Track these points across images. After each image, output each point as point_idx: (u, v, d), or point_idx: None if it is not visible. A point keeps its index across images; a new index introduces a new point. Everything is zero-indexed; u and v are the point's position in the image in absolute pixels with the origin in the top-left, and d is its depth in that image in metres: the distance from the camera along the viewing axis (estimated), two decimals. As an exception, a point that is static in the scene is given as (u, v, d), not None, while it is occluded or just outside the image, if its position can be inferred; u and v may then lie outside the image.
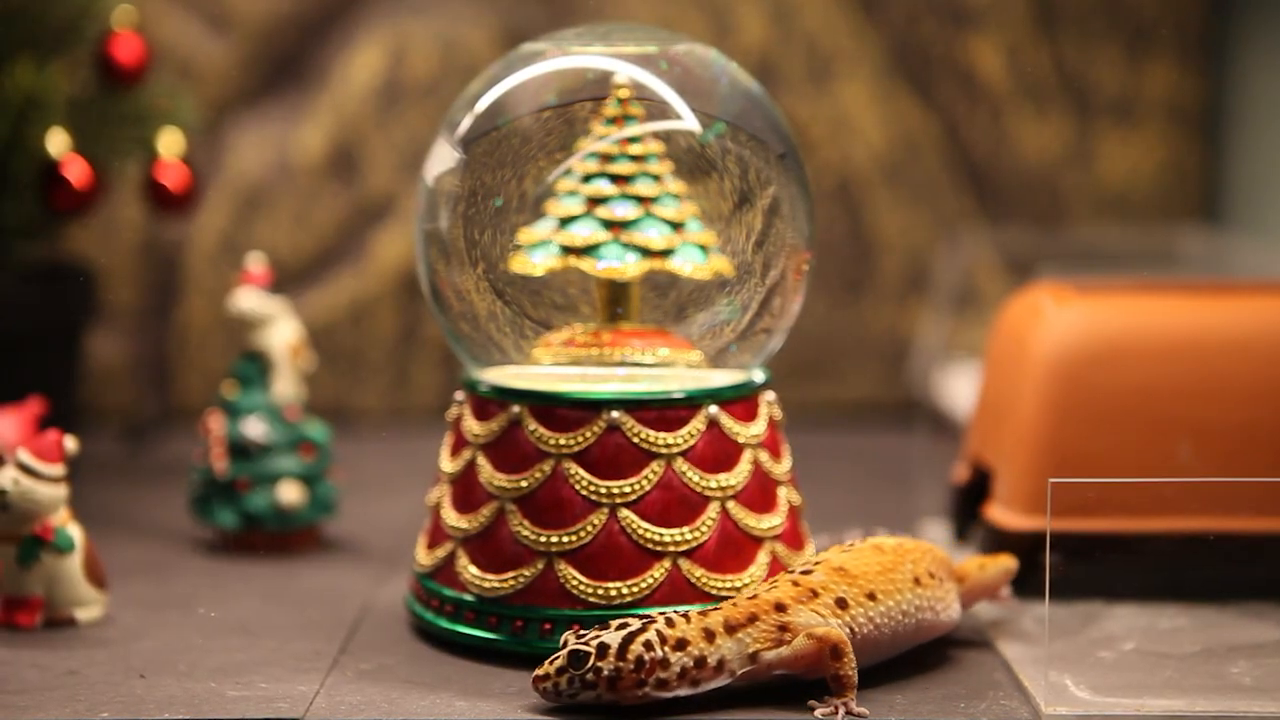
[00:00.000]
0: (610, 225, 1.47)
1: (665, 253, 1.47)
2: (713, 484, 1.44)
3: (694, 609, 1.33)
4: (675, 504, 1.43)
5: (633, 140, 1.47)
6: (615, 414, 1.43)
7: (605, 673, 1.28)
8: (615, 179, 1.47)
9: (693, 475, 1.44)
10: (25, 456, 1.49)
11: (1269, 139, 2.23)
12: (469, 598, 1.44)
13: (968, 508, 1.69)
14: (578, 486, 1.43)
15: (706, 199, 1.49)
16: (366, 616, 1.54)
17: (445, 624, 1.46)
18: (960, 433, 1.84)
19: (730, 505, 1.45)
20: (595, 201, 1.47)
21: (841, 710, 1.31)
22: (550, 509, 1.43)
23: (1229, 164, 2.32)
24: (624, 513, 1.42)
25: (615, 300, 1.48)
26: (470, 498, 1.46)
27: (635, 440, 1.43)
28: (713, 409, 1.45)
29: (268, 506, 1.72)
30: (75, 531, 1.52)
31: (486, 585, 1.44)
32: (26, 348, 1.90)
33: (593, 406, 1.44)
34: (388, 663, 1.43)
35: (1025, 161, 2.32)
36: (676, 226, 1.47)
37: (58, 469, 1.50)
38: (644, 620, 1.30)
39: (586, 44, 1.51)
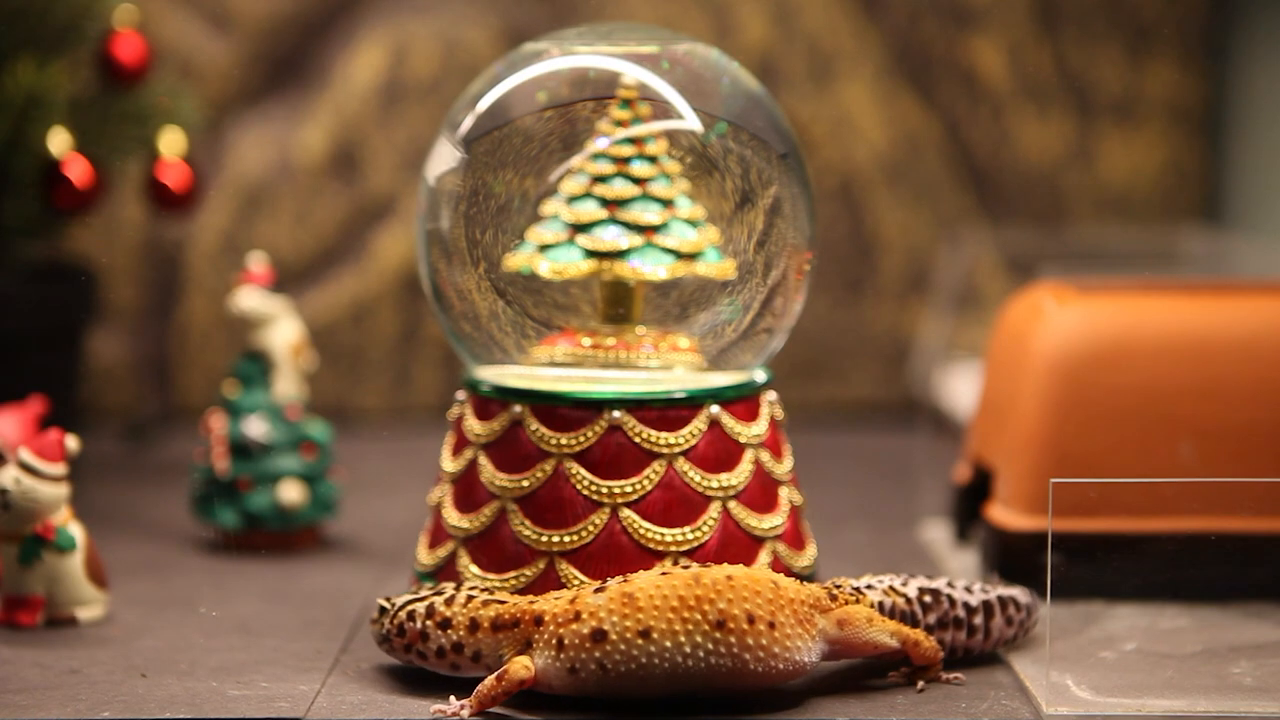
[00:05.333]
0: (569, 226, 1.47)
1: (622, 254, 1.46)
2: (714, 484, 1.44)
3: (498, 595, 1.34)
4: (677, 504, 1.43)
5: (621, 141, 1.47)
6: (617, 414, 1.43)
7: (384, 630, 1.36)
8: (594, 179, 1.47)
9: (694, 475, 1.44)
10: (27, 456, 1.49)
11: (1270, 139, 2.23)
12: (470, 597, 1.44)
13: (969, 508, 1.69)
14: (579, 486, 1.43)
15: (708, 198, 1.49)
16: (368, 616, 1.54)
17: (446, 623, 1.46)
18: (961, 432, 1.84)
19: (732, 505, 1.45)
20: (567, 200, 1.48)
21: (465, 711, 1.30)
22: (551, 509, 1.43)
23: (1230, 164, 2.32)
24: (625, 512, 1.42)
25: (617, 301, 1.48)
26: (471, 497, 1.46)
27: (637, 440, 1.43)
28: (714, 409, 1.45)
29: (269, 506, 1.73)
30: (76, 531, 1.52)
31: (488, 585, 1.44)
32: (28, 347, 1.90)
33: (594, 406, 1.44)
34: (389, 662, 1.42)
35: (1026, 161, 2.32)
36: (649, 229, 1.47)
37: (59, 468, 1.50)
38: (443, 589, 1.35)
39: (588, 44, 1.51)
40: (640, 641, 1.28)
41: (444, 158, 1.50)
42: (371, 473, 1.99)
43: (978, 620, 1.41)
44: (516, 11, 2.28)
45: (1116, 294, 1.66)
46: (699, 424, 1.44)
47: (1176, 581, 1.53)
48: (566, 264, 1.46)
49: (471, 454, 1.47)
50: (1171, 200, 2.34)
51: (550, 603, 1.31)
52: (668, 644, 1.28)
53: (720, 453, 1.45)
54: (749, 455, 1.46)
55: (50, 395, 1.74)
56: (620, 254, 1.46)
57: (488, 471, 1.46)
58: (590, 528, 1.42)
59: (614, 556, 1.41)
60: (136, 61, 1.97)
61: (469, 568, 1.45)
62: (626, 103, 1.48)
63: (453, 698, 1.31)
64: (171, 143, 1.97)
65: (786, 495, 1.49)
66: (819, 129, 2.29)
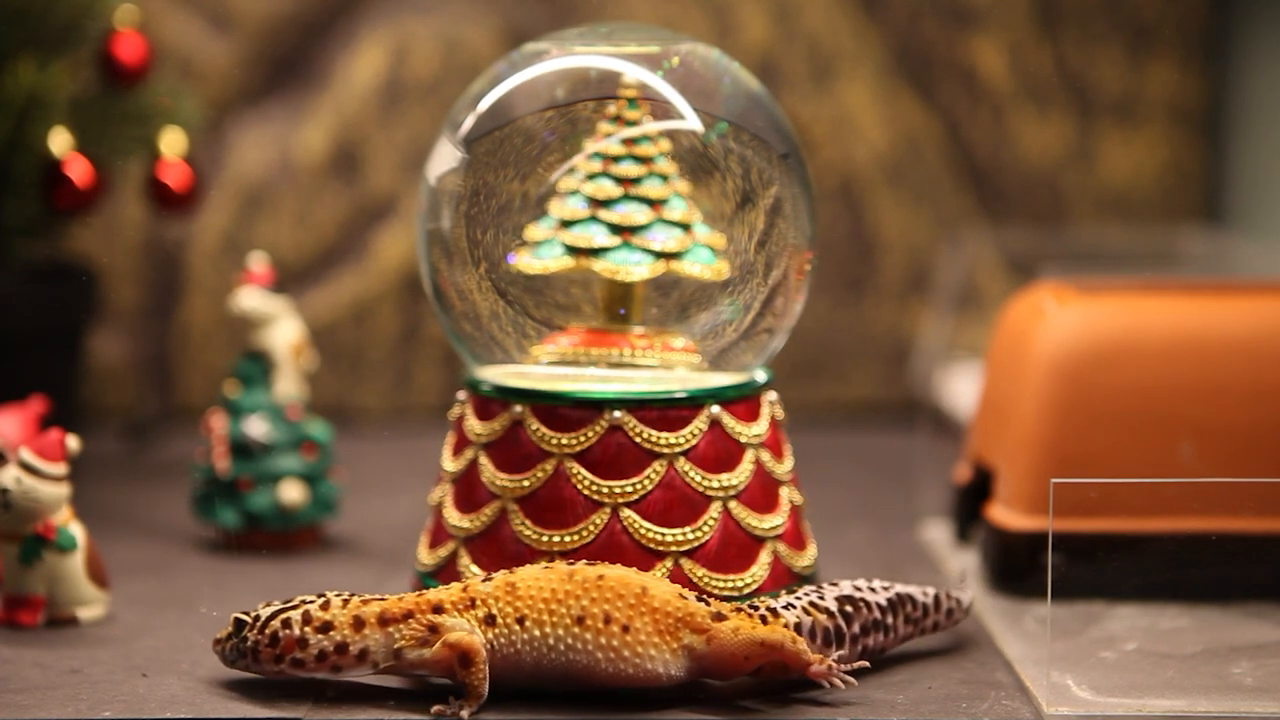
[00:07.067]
0: (619, 230, 1.46)
1: (676, 255, 1.47)
2: (714, 484, 1.44)
3: (373, 596, 1.34)
4: (677, 504, 1.43)
5: (637, 141, 1.47)
6: (617, 414, 1.43)
7: (249, 643, 1.33)
8: (621, 180, 1.47)
9: (695, 475, 1.44)
10: (27, 455, 1.49)
11: (1270, 139, 2.23)
12: (471, 597, 1.44)
13: (969, 508, 1.69)
14: (580, 486, 1.43)
15: (709, 199, 1.49)
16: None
17: (447, 623, 1.46)
18: (962, 432, 1.84)
19: (732, 505, 1.45)
20: (600, 203, 1.47)
21: (464, 711, 1.30)
22: (552, 509, 1.43)
23: (1230, 164, 2.32)
24: (626, 512, 1.42)
25: (618, 301, 1.48)
26: (472, 497, 1.46)
27: (637, 440, 1.43)
28: (715, 409, 1.45)
29: (269, 506, 1.73)
30: (77, 530, 1.52)
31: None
32: (28, 347, 1.90)
33: (595, 406, 1.44)
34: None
35: (1027, 161, 2.32)
36: (685, 228, 1.47)
37: (60, 468, 1.50)
38: (309, 598, 1.33)
39: (589, 44, 1.51)
40: (517, 628, 1.31)
41: (445, 158, 1.50)
42: (372, 473, 1.99)
43: (889, 620, 1.41)
44: (516, 11, 2.28)
45: (1116, 294, 1.66)
46: (699, 424, 1.45)
47: (1176, 581, 1.53)
48: (631, 267, 1.46)
49: (472, 454, 1.47)
50: (1171, 200, 2.34)
51: (444, 593, 1.33)
52: (536, 633, 1.31)
53: (721, 453, 1.45)
54: (749, 455, 1.46)
55: (50, 395, 1.74)
56: (678, 254, 1.47)
57: (488, 471, 1.46)
58: (591, 528, 1.42)
59: (614, 556, 1.41)
60: (137, 61, 1.97)
61: (469, 568, 1.45)
62: (634, 102, 1.48)
63: (451, 698, 1.31)
64: (172, 143, 1.97)
65: (787, 495, 1.49)
66: (819, 129, 2.29)
